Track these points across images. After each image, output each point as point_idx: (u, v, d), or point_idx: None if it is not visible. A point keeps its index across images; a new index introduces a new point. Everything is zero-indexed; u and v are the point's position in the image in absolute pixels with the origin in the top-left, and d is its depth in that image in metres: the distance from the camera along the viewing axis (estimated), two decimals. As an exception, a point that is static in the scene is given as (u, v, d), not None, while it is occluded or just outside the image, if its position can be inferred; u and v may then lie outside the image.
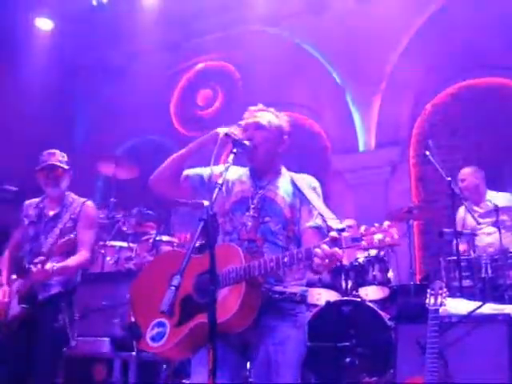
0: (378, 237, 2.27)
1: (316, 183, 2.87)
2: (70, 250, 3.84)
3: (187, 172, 2.94)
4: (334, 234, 2.35)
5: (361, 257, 5.28)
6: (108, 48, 8.99)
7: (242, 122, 2.88)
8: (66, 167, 4.05)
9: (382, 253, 5.23)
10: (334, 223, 2.44)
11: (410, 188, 7.37)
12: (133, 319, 2.76)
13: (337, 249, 2.32)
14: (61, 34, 8.64)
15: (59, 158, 4.05)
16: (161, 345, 2.58)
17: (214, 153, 2.59)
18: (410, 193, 7.35)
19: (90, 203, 4.09)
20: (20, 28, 8.20)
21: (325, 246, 2.34)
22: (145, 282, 2.87)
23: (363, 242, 2.29)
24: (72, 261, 3.81)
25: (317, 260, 2.35)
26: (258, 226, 2.72)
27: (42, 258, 3.61)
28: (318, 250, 2.34)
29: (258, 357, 2.61)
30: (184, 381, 4.64)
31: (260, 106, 2.95)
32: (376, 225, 2.30)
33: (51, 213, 3.99)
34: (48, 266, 3.61)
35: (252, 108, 2.94)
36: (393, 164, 7.49)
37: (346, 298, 4.97)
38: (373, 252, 5.24)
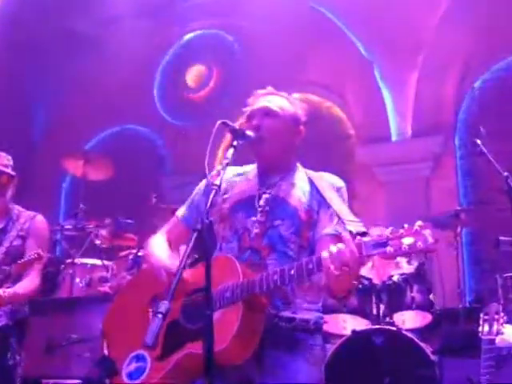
0: (407, 241, 2.21)
1: (340, 183, 2.88)
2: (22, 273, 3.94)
3: (181, 218, 2.99)
4: (346, 234, 2.35)
5: (395, 274, 5.28)
6: (74, 15, 8.96)
7: (247, 109, 2.89)
8: (12, 173, 4.13)
9: (423, 267, 5.22)
10: (354, 226, 2.43)
11: (456, 186, 7.36)
12: (106, 352, 2.78)
13: (343, 246, 2.28)
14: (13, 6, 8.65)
15: (4, 161, 4.11)
16: (140, 382, 2.58)
17: (209, 148, 2.59)
18: (457, 192, 7.34)
19: (40, 217, 4.19)
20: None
21: (332, 248, 2.30)
22: (120, 308, 2.89)
23: (389, 248, 2.23)
24: (21, 288, 3.89)
25: (325, 266, 2.29)
26: (265, 231, 2.72)
27: None
28: (324, 254, 2.31)
29: None
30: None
31: (269, 88, 2.95)
32: (405, 226, 2.25)
33: None
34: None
35: (259, 91, 2.95)
36: (434, 156, 7.49)
37: (377, 326, 4.97)
38: (410, 268, 5.24)
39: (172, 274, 2.41)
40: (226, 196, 2.85)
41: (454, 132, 7.57)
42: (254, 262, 2.67)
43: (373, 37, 7.99)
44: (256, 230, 2.73)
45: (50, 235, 4.36)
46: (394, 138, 7.81)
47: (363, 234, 2.35)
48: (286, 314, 2.65)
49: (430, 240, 2.20)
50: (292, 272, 2.40)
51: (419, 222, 2.25)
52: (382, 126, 7.82)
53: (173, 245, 2.98)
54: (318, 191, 2.78)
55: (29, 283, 3.94)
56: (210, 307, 2.27)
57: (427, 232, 2.22)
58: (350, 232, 2.40)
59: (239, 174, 2.94)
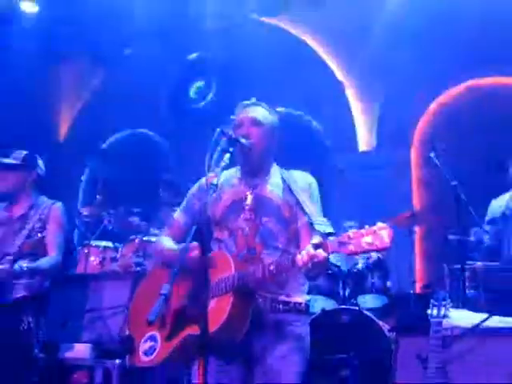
0: (366, 240, 2.20)
1: (310, 179, 2.83)
2: (39, 251, 3.87)
3: (177, 220, 2.91)
4: (316, 239, 2.33)
5: (360, 263, 5.23)
6: (97, 36, 8.87)
7: (235, 117, 2.83)
8: (18, 163, 4.02)
9: (382, 257, 5.19)
10: (322, 227, 2.41)
11: (412, 191, 7.32)
12: (127, 332, 2.78)
13: (319, 251, 2.28)
14: (46, 18, 8.52)
15: (16, 156, 4.04)
16: (151, 359, 2.57)
17: (209, 153, 2.53)
18: (413, 196, 7.30)
19: (58, 205, 4.10)
20: (3, 11, 8.07)
21: (306, 251, 2.31)
22: (141, 293, 2.86)
23: (350, 246, 2.22)
24: (43, 262, 3.84)
25: (300, 263, 2.31)
26: (257, 229, 2.67)
27: (9, 257, 3.66)
28: (298, 256, 2.33)
29: (260, 369, 2.57)
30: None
31: (253, 99, 2.90)
32: (366, 227, 2.23)
33: (19, 214, 4.00)
34: (16, 265, 3.67)
35: (244, 102, 2.88)
36: (394, 165, 7.43)
37: (343, 306, 4.91)
38: (374, 256, 5.20)
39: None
40: (216, 202, 2.77)
41: (411, 145, 7.51)
42: (250, 257, 2.62)
43: (345, 63, 7.95)
44: (247, 227, 2.67)
45: (67, 220, 4.18)
46: (361, 148, 7.74)
47: (329, 234, 2.35)
48: (282, 298, 2.61)
49: (386, 240, 2.18)
50: (271, 268, 2.41)
51: (379, 224, 2.22)
52: (350, 138, 7.76)
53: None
54: (290, 189, 2.72)
55: (50, 259, 3.86)
56: (206, 293, 2.22)
57: (384, 232, 2.19)
58: (319, 232, 2.41)
59: (225, 181, 2.83)
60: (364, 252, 2.23)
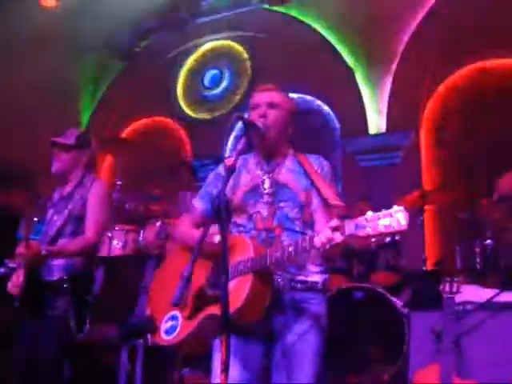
0: (383, 222, 2.14)
1: (325, 162, 2.80)
2: (80, 230, 3.74)
3: (196, 206, 2.86)
4: (333, 222, 2.27)
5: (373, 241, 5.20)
6: (114, 27, 8.86)
7: (251, 101, 2.79)
8: (71, 143, 3.90)
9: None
10: (339, 210, 2.39)
11: (423, 172, 7.25)
12: (149, 312, 2.75)
13: (336, 233, 2.24)
14: (65, 12, 8.51)
15: (67, 135, 3.95)
16: (172, 338, 2.56)
17: (226, 136, 2.52)
18: (424, 177, 7.23)
19: (99, 182, 3.95)
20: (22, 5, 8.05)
21: (324, 233, 2.27)
22: (162, 274, 2.84)
23: (368, 229, 2.16)
24: (71, 244, 3.70)
25: (318, 245, 2.28)
26: (274, 213, 2.64)
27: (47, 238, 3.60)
28: (316, 239, 2.29)
29: (279, 347, 2.56)
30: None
31: (270, 84, 2.85)
32: (383, 210, 2.18)
33: (64, 193, 3.90)
34: (34, 249, 3.54)
35: (262, 86, 2.84)
36: (404, 147, 7.37)
37: (357, 284, 4.90)
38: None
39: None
40: (234, 187, 2.73)
41: (421, 127, 7.44)
42: (269, 240, 2.60)
43: (355, 49, 7.87)
44: (265, 211, 2.65)
45: (110, 197, 4.06)
46: (371, 132, 7.67)
47: (345, 217, 2.29)
48: (300, 278, 2.59)
49: (403, 222, 2.12)
50: (290, 249, 2.37)
51: (395, 207, 2.16)
52: (362, 122, 7.67)
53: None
54: (306, 173, 2.69)
55: (81, 240, 3.71)
56: (225, 273, 2.21)
57: (401, 215, 2.13)
58: (336, 215, 2.36)
59: (242, 166, 2.79)
60: (381, 235, 2.16)
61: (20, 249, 3.58)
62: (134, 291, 4.87)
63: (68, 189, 3.89)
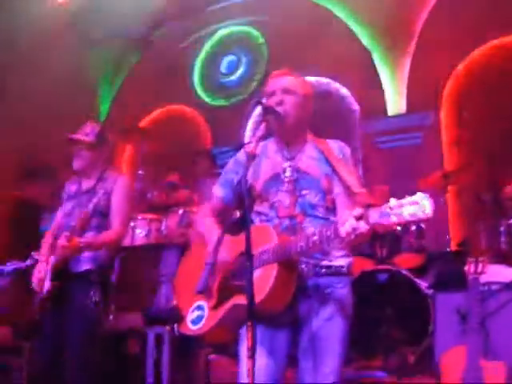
0: (408, 210, 2.08)
1: (345, 148, 2.76)
2: (105, 224, 3.80)
3: (217, 194, 2.84)
4: (357, 211, 2.22)
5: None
6: (129, 17, 8.85)
7: (268, 87, 2.75)
8: (90, 140, 3.92)
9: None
10: (361, 197, 2.35)
11: (443, 152, 7.18)
12: (175, 302, 2.76)
13: (361, 223, 2.19)
14: (78, 4, 8.52)
15: (87, 130, 3.96)
16: (199, 328, 2.56)
17: (245, 122, 2.50)
18: (445, 157, 7.15)
19: (123, 177, 4.01)
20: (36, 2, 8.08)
21: (349, 222, 2.22)
22: (186, 264, 2.84)
23: (393, 218, 2.11)
24: (100, 237, 3.76)
25: (343, 234, 2.24)
26: (296, 201, 2.62)
27: (66, 233, 3.60)
28: (342, 228, 2.25)
29: (306, 333, 2.55)
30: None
31: (283, 69, 2.80)
32: (407, 197, 2.12)
33: (86, 187, 3.94)
34: (74, 241, 3.59)
35: (276, 72, 2.80)
36: (424, 128, 7.28)
37: (381, 266, 4.87)
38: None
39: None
40: (255, 175, 2.71)
41: (440, 107, 7.35)
42: (292, 228, 2.58)
43: (371, 29, 7.80)
44: (288, 200, 2.62)
45: (132, 190, 4.12)
46: (390, 113, 7.61)
47: (368, 206, 2.24)
48: (325, 263, 2.57)
49: (428, 210, 2.07)
50: (315, 238, 2.33)
51: (419, 194, 2.10)
52: (380, 103, 7.61)
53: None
54: (326, 159, 2.66)
55: (108, 233, 3.78)
56: (250, 262, 2.20)
57: (426, 202, 2.08)
58: (359, 203, 2.33)
59: (261, 154, 2.75)
60: (406, 223, 2.13)
61: (61, 241, 3.60)
62: (156, 279, 4.89)
63: (89, 183, 3.95)
